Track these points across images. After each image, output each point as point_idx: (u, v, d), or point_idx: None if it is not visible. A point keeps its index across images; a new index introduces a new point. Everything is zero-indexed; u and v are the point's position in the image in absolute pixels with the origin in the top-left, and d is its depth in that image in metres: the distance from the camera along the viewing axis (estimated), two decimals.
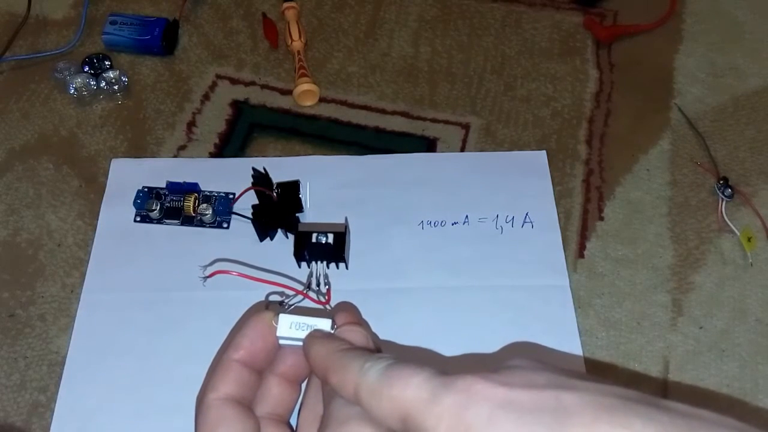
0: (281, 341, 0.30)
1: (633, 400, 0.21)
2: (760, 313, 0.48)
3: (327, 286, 0.42)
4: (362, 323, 0.30)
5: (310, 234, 0.46)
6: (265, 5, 0.64)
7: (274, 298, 0.45)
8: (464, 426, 0.22)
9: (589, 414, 0.21)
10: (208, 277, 0.40)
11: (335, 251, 0.46)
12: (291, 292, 0.34)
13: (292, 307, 0.33)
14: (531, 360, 0.25)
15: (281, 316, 0.30)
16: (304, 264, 0.47)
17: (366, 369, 0.25)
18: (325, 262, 0.46)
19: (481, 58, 0.61)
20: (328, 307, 0.35)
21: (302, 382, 0.32)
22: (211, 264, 0.47)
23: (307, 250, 0.45)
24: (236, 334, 0.31)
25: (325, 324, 0.30)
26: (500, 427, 0.22)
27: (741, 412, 0.44)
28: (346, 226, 0.48)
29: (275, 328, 0.30)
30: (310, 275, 0.44)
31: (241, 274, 0.38)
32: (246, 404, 0.30)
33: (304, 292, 0.35)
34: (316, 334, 0.29)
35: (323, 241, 0.45)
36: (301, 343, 0.30)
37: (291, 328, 0.30)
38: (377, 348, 0.29)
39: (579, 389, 0.22)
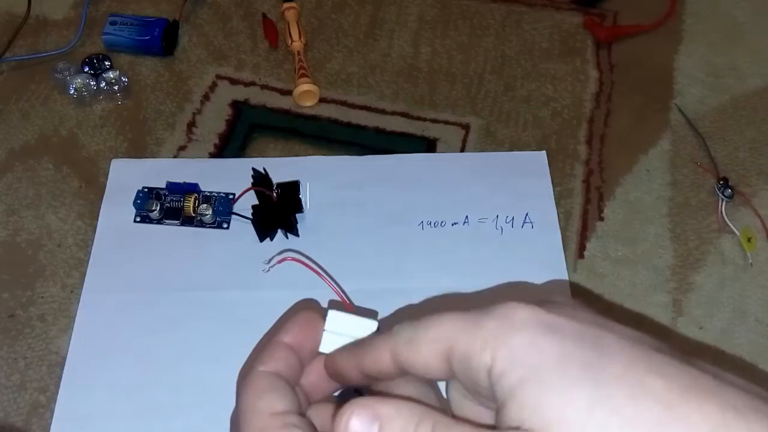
0: (326, 333, 0.30)
1: (668, 352, 0.22)
2: (760, 313, 0.48)
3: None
4: None
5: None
6: (265, 5, 0.64)
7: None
8: (509, 351, 0.22)
9: (626, 355, 0.21)
10: (277, 263, 0.40)
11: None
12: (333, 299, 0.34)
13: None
14: (570, 299, 0.25)
15: (330, 310, 0.30)
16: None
17: (396, 331, 0.26)
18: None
19: (481, 58, 0.61)
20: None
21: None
22: (280, 253, 0.48)
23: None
24: (287, 321, 0.31)
25: (370, 325, 0.30)
26: (542, 353, 0.22)
27: None
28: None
29: (321, 324, 0.30)
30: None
31: (309, 266, 0.38)
32: (292, 384, 0.29)
33: (343, 296, 0.35)
34: (335, 352, 0.29)
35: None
36: (344, 340, 0.30)
37: (336, 321, 0.30)
38: None
39: (618, 332, 0.22)
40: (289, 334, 0.30)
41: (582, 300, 0.47)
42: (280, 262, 0.42)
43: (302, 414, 0.29)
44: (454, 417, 0.25)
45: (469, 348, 0.23)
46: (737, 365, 0.46)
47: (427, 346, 0.24)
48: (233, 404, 0.33)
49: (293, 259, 0.43)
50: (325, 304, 0.45)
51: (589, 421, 0.20)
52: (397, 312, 0.46)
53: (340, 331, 0.30)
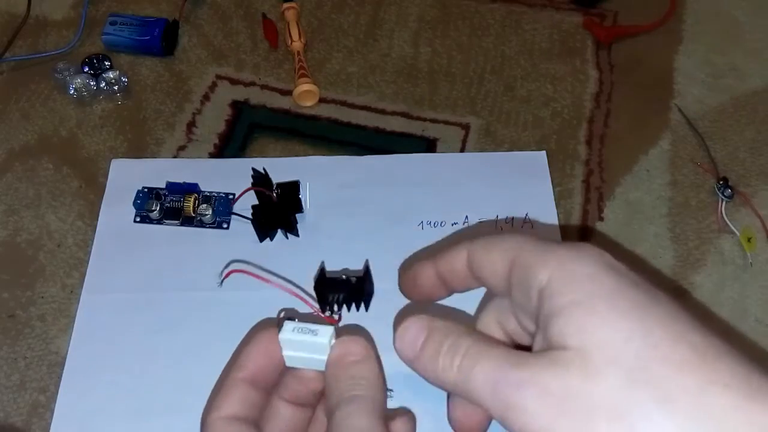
0: (284, 350, 0.30)
1: (699, 326, 0.24)
2: (760, 313, 0.48)
3: (339, 311, 0.42)
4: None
5: (334, 278, 0.45)
6: (265, 6, 0.64)
7: (284, 316, 0.45)
8: (568, 274, 0.24)
9: (672, 309, 0.24)
10: (224, 278, 0.40)
11: (356, 290, 0.44)
12: (303, 311, 0.34)
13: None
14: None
15: (286, 321, 0.30)
16: (312, 271, 0.46)
17: (476, 238, 0.29)
18: (343, 296, 0.45)
19: (481, 58, 0.61)
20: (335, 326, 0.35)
21: (312, 405, 0.32)
22: (226, 266, 0.47)
23: (329, 288, 0.44)
24: (240, 353, 0.31)
25: (327, 331, 0.30)
26: (600, 283, 0.24)
27: None
28: (367, 268, 0.47)
29: (279, 346, 0.30)
30: (328, 302, 0.43)
31: (257, 276, 0.38)
32: (251, 422, 0.29)
33: (318, 311, 0.35)
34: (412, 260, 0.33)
35: (345, 279, 0.44)
36: (304, 359, 0.29)
37: (294, 331, 0.30)
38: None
39: (668, 297, 0.25)
40: (242, 369, 0.30)
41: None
42: (227, 275, 0.42)
43: None
44: (489, 336, 0.28)
45: (531, 262, 0.25)
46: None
47: (498, 252, 0.27)
48: None
49: (240, 270, 0.43)
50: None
51: (626, 348, 0.22)
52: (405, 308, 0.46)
53: (298, 340, 0.29)
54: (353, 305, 0.44)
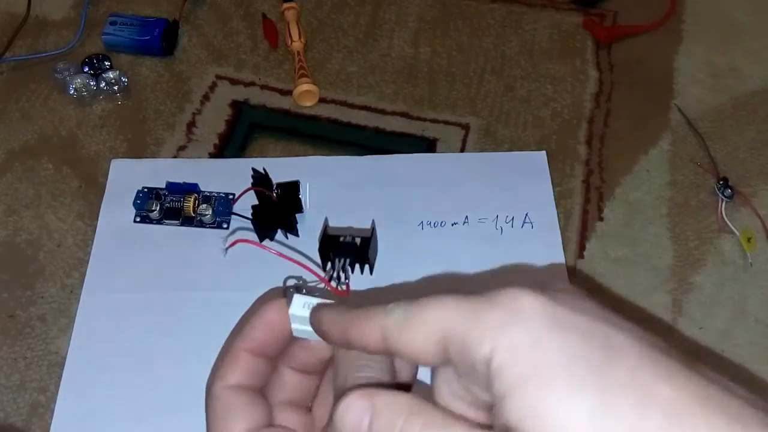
0: (293, 323, 0.29)
1: (676, 357, 0.21)
2: (760, 313, 0.48)
3: (347, 280, 0.41)
4: None
5: (337, 237, 0.44)
6: (265, 6, 0.64)
7: (291, 283, 0.44)
8: (511, 344, 0.21)
9: (635, 358, 0.20)
10: (229, 246, 0.39)
11: (361, 252, 0.44)
12: (310, 279, 0.33)
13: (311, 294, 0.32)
14: (575, 287, 0.23)
15: (295, 295, 0.29)
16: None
17: (390, 309, 0.24)
18: (348, 261, 0.44)
19: (481, 58, 0.61)
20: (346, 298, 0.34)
21: (320, 372, 0.31)
22: (232, 233, 0.47)
23: (333, 249, 0.44)
24: (246, 323, 0.29)
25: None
26: (547, 350, 0.21)
27: None
28: (373, 229, 0.46)
29: (287, 318, 0.29)
30: (331, 267, 0.42)
31: (263, 246, 0.37)
32: (257, 390, 0.29)
33: (325, 278, 0.34)
34: (324, 305, 0.27)
35: (350, 241, 0.44)
36: (312, 333, 0.28)
37: (304, 308, 0.28)
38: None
39: (626, 330, 0.21)
40: (247, 339, 0.29)
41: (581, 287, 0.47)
42: (232, 244, 0.41)
43: (297, 404, 0.29)
44: (443, 409, 0.24)
45: (467, 337, 0.22)
46: (738, 372, 0.46)
47: (422, 331, 0.23)
48: None
49: (245, 240, 0.42)
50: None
51: (591, 429, 0.19)
52: (392, 287, 0.46)
53: (307, 314, 0.28)
54: (357, 267, 0.43)
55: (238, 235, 0.49)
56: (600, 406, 0.20)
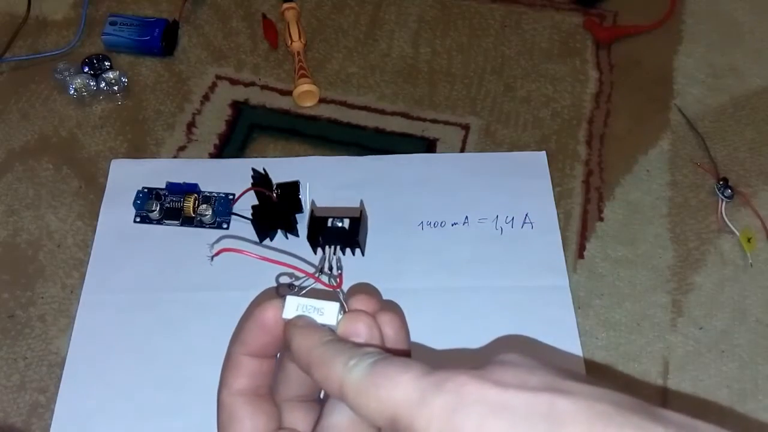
0: (286, 320, 0.29)
1: (628, 407, 0.21)
2: (760, 313, 0.48)
3: (339, 271, 0.41)
4: (377, 308, 0.29)
5: (325, 219, 0.44)
6: (265, 6, 0.64)
7: (284, 280, 0.43)
8: (454, 430, 0.22)
9: (583, 422, 0.20)
10: (215, 255, 0.39)
11: (350, 236, 0.44)
12: (301, 275, 0.32)
13: (304, 291, 0.32)
14: (523, 356, 0.24)
15: (288, 298, 0.29)
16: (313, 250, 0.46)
17: (351, 367, 0.25)
18: (339, 247, 0.44)
19: (480, 58, 0.61)
20: (340, 291, 0.34)
21: None
22: (217, 241, 0.47)
23: (321, 235, 0.44)
24: (242, 328, 0.29)
25: (333, 308, 0.29)
26: None
27: (741, 410, 0.44)
28: (361, 211, 0.46)
29: (281, 320, 0.29)
30: (322, 259, 0.42)
31: (247, 252, 0.37)
32: (262, 393, 0.29)
33: (315, 275, 0.34)
34: (296, 322, 0.28)
35: (339, 226, 0.44)
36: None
37: (298, 310, 0.29)
38: (404, 338, 0.28)
39: (573, 393, 0.21)
40: (244, 345, 0.29)
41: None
42: (217, 253, 0.41)
43: (305, 399, 0.29)
44: None
45: (414, 424, 0.22)
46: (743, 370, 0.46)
47: (375, 405, 0.24)
48: None
49: (232, 249, 0.41)
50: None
51: None
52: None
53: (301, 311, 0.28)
54: (348, 251, 0.43)
55: (240, 236, 0.49)
56: None
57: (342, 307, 0.29)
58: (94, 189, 0.52)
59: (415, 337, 0.45)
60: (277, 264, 0.37)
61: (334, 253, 0.39)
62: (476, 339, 0.45)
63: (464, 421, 0.22)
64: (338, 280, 0.35)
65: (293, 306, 0.28)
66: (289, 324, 0.28)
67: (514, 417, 0.21)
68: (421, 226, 0.50)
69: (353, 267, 0.48)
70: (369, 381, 0.24)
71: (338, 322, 0.28)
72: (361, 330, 0.28)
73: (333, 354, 0.25)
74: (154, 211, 0.50)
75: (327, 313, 0.29)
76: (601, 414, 0.20)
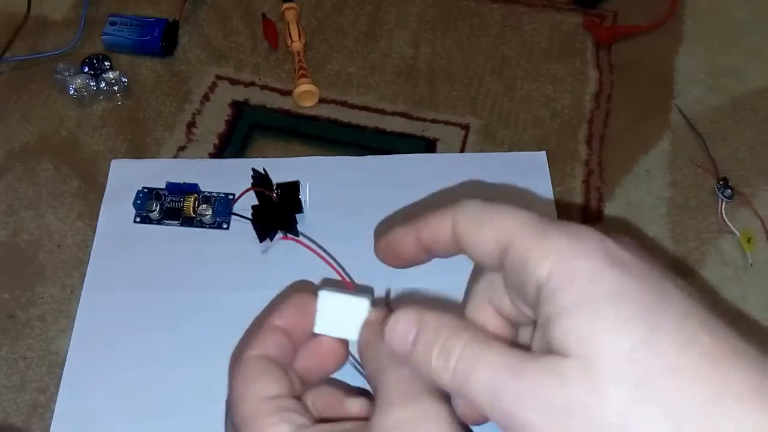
0: (318, 315, 0.30)
1: (717, 315, 0.23)
2: (760, 313, 0.48)
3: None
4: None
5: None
6: (265, 6, 0.64)
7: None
8: (569, 271, 0.22)
9: (683, 305, 0.22)
10: (283, 238, 0.39)
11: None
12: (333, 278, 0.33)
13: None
14: (632, 240, 0.25)
15: (321, 290, 0.30)
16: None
17: (463, 204, 0.26)
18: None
19: (480, 58, 0.61)
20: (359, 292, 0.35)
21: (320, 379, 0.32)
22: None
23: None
24: (278, 304, 0.30)
25: (363, 303, 0.30)
26: (603, 283, 0.22)
27: None
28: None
29: (314, 306, 0.30)
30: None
31: (308, 246, 0.38)
32: (283, 367, 0.29)
33: (347, 279, 0.35)
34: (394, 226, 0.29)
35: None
36: (337, 320, 0.29)
37: (329, 300, 0.30)
38: None
39: (678, 283, 0.23)
40: (281, 317, 0.30)
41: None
42: (284, 237, 0.41)
43: (297, 397, 0.29)
44: (486, 332, 0.26)
45: (528, 251, 0.23)
46: None
47: (490, 231, 0.25)
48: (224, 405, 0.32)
49: (291, 238, 0.42)
50: None
51: (632, 359, 0.21)
52: (402, 293, 0.46)
53: (333, 310, 0.29)
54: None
55: (239, 235, 0.49)
56: (643, 340, 0.21)
57: (372, 303, 0.30)
58: (94, 189, 0.52)
59: None
60: (328, 264, 0.37)
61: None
62: None
63: (583, 263, 0.22)
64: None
65: (325, 296, 0.30)
66: (382, 237, 0.30)
67: (628, 275, 0.22)
68: None
69: (354, 267, 0.48)
70: (484, 211, 0.26)
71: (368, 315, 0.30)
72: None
73: (440, 207, 0.27)
74: (154, 211, 0.50)
75: (358, 306, 0.30)
76: (697, 307, 0.22)
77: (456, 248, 0.27)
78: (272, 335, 0.29)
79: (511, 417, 0.22)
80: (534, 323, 0.24)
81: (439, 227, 0.27)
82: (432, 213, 0.27)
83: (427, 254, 0.29)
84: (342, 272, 0.39)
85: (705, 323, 0.22)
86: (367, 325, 0.29)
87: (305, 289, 0.31)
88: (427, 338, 0.25)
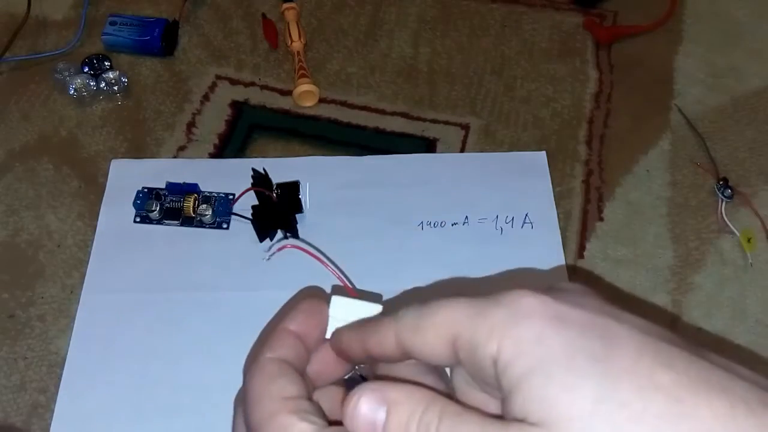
0: (331, 319, 0.30)
1: (678, 343, 0.21)
2: (760, 313, 0.48)
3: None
4: None
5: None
6: (265, 6, 0.64)
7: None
8: (515, 339, 0.22)
9: (635, 347, 0.21)
10: (276, 251, 0.39)
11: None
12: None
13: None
14: (578, 285, 0.25)
15: (334, 296, 0.30)
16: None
17: (401, 315, 0.25)
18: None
19: (480, 58, 0.61)
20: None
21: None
22: (279, 240, 0.48)
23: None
24: (291, 309, 0.30)
25: (375, 309, 0.30)
26: (549, 344, 0.22)
27: None
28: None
29: (326, 310, 0.30)
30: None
31: (308, 252, 0.38)
32: (298, 368, 0.29)
33: (350, 287, 0.35)
34: (340, 328, 0.29)
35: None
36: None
37: (341, 307, 0.30)
38: None
39: (627, 321, 0.22)
40: (294, 321, 0.30)
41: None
42: (279, 249, 0.42)
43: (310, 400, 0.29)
44: (462, 404, 0.25)
45: (474, 336, 0.23)
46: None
47: (432, 332, 0.24)
48: (233, 404, 0.32)
49: (293, 246, 0.43)
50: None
51: (595, 416, 0.20)
52: (403, 293, 0.46)
53: (345, 316, 0.30)
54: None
55: (239, 235, 0.49)
56: (602, 393, 0.20)
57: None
58: (94, 189, 0.52)
59: None
60: (332, 272, 0.37)
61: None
62: None
63: (525, 331, 0.22)
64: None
65: (337, 302, 0.30)
66: (333, 333, 0.29)
67: (572, 330, 0.22)
68: (421, 226, 0.50)
69: (353, 267, 0.48)
70: (423, 315, 0.25)
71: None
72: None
73: (380, 319, 0.27)
74: (154, 211, 0.50)
75: (370, 312, 0.30)
76: (651, 343, 0.21)
77: (405, 357, 0.26)
78: (287, 339, 0.30)
79: None
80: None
81: (383, 341, 0.26)
82: (374, 327, 0.27)
83: (377, 360, 0.29)
84: (342, 276, 0.39)
85: (661, 359, 0.21)
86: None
87: (317, 295, 0.31)
88: (400, 419, 0.24)
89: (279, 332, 0.30)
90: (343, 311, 0.30)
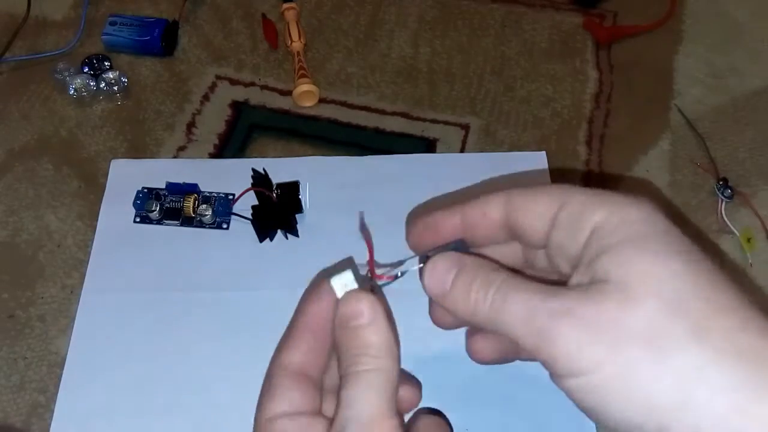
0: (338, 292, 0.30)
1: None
2: None
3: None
4: None
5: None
6: (265, 6, 0.64)
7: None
8: (623, 216, 0.25)
9: (716, 270, 0.25)
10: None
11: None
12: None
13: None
14: None
15: (332, 278, 0.30)
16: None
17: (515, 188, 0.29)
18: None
19: (480, 58, 0.61)
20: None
21: None
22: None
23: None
24: (302, 299, 0.31)
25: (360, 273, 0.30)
26: (654, 227, 0.25)
27: None
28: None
29: (335, 296, 0.30)
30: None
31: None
32: (310, 375, 0.30)
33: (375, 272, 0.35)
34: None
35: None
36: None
37: (343, 282, 0.30)
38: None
39: (711, 260, 0.26)
40: (305, 314, 0.30)
41: None
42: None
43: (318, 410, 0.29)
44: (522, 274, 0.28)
45: (584, 204, 0.25)
46: None
47: (546, 195, 0.27)
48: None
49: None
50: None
51: (670, 285, 0.23)
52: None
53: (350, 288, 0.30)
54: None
55: (239, 235, 0.49)
56: (683, 273, 0.23)
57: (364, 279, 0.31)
58: (94, 189, 0.52)
59: (415, 339, 0.45)
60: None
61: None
62: None
63: (636, 212, 0.25)
64: (396, 275, 0.35)
65: (340, 284, 0.30)
66: (422, 216, 0.32)
67: (675, 228, 0.26)
68: None
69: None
70: (537, 187, 0.28)
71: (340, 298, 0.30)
72: (360, 309, 0.29)
73: (488, 194, 0.30)
74: (154, 211, 0.50)
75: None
76: (726, 280, 0.25)
77: (501, 229, 0.29)
78: (297, 340, 0.30)
79: (541, 333, 0.24)
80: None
81: (489, 205, 0.29)
82: (481, 198, 0.30)
83: (462, 235, 0.31)
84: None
85: (734, 285, 0.24)
86: (336, 323, 0.29)
87: (316, 284, 0.31)
88: (466, 277, 0.27)
89: (290, 333, 0.30)
90: (347, 285, 0.30)
